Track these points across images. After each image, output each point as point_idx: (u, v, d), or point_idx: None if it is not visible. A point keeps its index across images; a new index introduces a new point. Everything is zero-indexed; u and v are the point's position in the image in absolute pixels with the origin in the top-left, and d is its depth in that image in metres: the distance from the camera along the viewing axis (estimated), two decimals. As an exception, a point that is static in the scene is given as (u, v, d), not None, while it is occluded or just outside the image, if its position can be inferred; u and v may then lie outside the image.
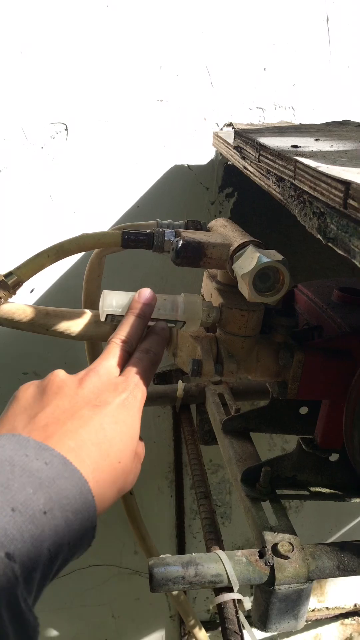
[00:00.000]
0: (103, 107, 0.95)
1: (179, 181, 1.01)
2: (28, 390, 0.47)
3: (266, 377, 0.66)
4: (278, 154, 0.58)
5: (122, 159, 0.98)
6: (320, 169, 0.48)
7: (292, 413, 0.84)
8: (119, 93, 0.94)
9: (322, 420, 0.70)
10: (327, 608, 1.47)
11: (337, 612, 1.46)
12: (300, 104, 1.00)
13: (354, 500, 0.73)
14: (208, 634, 1.25)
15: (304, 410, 0.84)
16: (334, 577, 0.63)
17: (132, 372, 0.50)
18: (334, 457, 0.73)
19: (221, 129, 0.98)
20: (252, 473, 0.73)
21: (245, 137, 0.70)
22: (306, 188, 0.51)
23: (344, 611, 1.45)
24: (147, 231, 0.67)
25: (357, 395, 0.58)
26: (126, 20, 0.90)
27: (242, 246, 0.60)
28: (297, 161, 0.53)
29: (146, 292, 0.57)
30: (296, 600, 0.63)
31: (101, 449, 0.43)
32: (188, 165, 1.01)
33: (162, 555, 0.62)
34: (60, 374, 0.49)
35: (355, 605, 1.48)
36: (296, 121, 1.01)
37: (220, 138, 0.89)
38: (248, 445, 0.83)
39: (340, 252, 0.44)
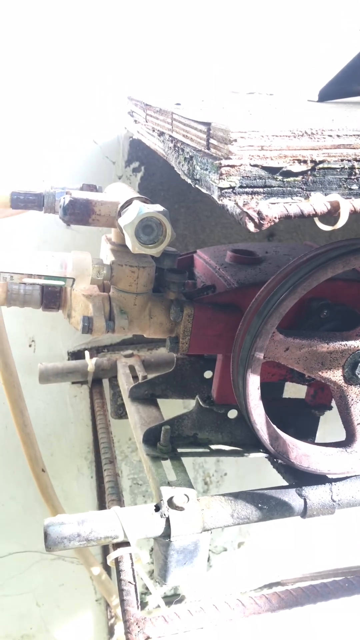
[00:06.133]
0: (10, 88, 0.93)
1: (85, 156, 1.01)
2: None
3: (160, 334, 0.67)
4: (159, 110, 0.59)
5: (29, 137, 0.97)
6: (190, 116, 0.49)
7: (197, 377, 0.85)
8: (34, 70, 0.93)
9: (217, 376, 0.72)
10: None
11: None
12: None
13: (253, 455, 0.75)
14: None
15: (208, 374, 0.86)
16: (228, 525, 0.65)
17: None
18: (232, 414, 0.75)
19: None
20: (153, 433, 0.74)
21: (136, 100, 0.71)
22: (180, 137, 0.52)
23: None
24: (38, 192, 0.66)
25: (241, 342, 0.60)
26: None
27: (129, 202, 0.61)
28: (173, 113, 0.54)
29: None
30: (193, 551, 0.64)
31: None
32: (94, 140, 1.01)
33: (58, 515, 0.62)
34: None
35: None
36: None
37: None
38: (154, 410, 0.84)
39: (204, 191, 0.45)
